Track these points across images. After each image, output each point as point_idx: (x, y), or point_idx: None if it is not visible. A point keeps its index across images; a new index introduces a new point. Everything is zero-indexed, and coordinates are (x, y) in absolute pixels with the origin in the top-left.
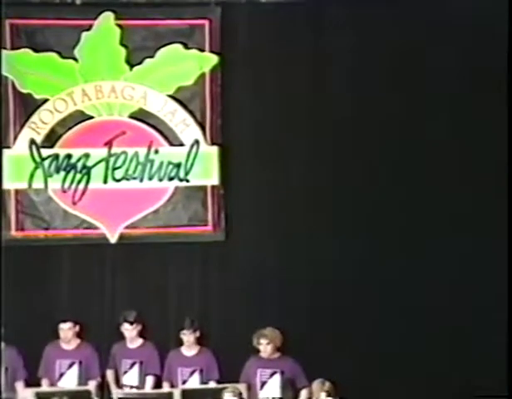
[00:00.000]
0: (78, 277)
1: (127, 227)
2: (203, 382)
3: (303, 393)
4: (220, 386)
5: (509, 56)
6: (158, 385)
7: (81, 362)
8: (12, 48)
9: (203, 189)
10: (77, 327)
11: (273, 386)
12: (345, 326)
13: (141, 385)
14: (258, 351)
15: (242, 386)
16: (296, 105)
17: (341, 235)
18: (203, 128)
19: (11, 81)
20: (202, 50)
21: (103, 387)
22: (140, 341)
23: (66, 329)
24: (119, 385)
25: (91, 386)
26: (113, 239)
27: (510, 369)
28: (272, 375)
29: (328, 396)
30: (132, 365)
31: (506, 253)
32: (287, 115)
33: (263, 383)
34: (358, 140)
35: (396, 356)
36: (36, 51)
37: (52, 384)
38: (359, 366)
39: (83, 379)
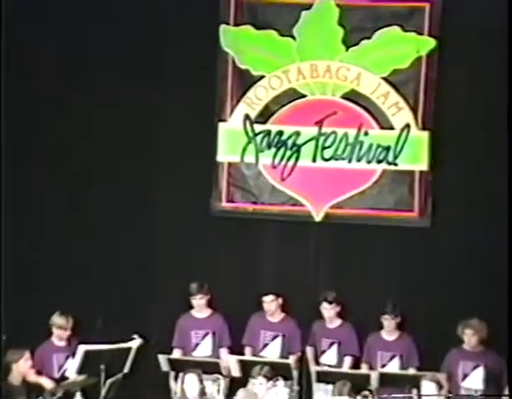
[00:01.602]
0: (282, 252)
1: (332, 206)
2: (402, 368)
3: (507, 390)
4: (420, 373)
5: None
6: (355, 366)
7: (284, 336)
8: (235, 24)
9: (411, 173)
10: (280, 300)
11: (476, 379)
12: None
13: (339, 364)
14: (460, 341)
15: (442, 376)
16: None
17: None
18: (415, 112)
19: (231, 56)
20: (420, 33)
21: (302, 362)
22: (338, 321)
23: (269, 301)
24: (317, 362)
25: (291, 359)
26: (318, 218)
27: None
28: (475, 368)
29: None
30: (331, 344)
31: None
32: (503, 103)
33: (465, 375)
34: None
35: None
36: (256, 27)
37: (255, 354)
38: None
39: (285, 352)
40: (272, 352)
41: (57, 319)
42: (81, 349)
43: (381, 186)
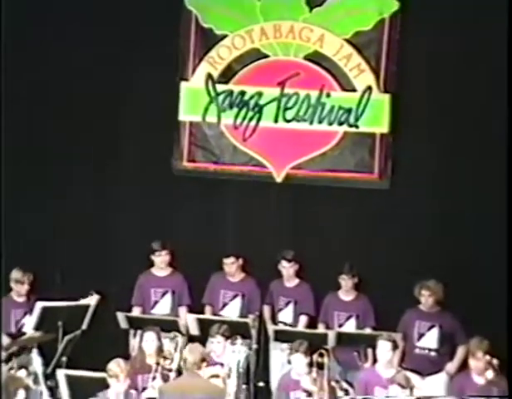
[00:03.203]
0: (243, 212)
1: (293, 167)
2: (359, 328)
3: (461, 350)
4: (376, 332)
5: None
6: (311, 325)
7: (243, 295)
8: None
9: (371, 136)
10: (240, 261)
11: (431, 338)
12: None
13: (295, 323)
14: (417, 302)
15: (398, 336)
16: (476, 55)
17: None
18: (377, 74)
19: (194, 15)
20: None
21: (260, 321)
22: (296, 280)
23: (229, 263)
24: (274, 321)
25: (250, 318)
26: (279, 179)
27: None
28: (430, 328)
29: (486, 354)
30: (287, 303)
31: None
32: (465, 65)
33: (421, 335)
34: None
35: None
36: None
37: (215, 313)
38: None
39: (245, 311)
40: (231, 312)
41: (15, 274)
42: (39, 305)
43: (342, 148)
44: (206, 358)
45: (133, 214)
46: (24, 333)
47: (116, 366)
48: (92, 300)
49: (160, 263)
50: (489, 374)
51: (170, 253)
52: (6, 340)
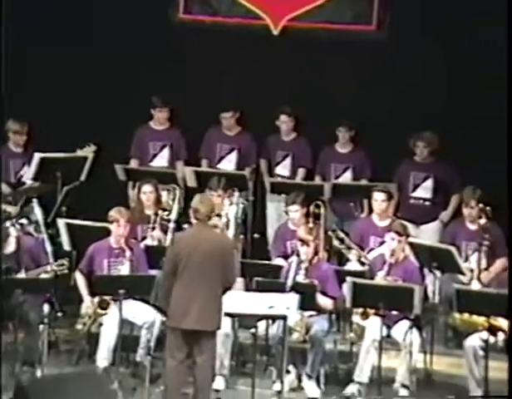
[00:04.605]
0: (240, 65)
1: (291, 20)
2: (355, 179)
3: (454, 199)
4: (371, 183)
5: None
6: (308, 178)
7: (239, 149)
8: None
9: None
10: (237, 115)
11: (426, 189)
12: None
13: (292, 176)
14: (412, 153)
15: (393, 187)
16: None
17: None
18: None
19: None
20: None
21: (257, 174)
22: (293, 134)
23: (228, 117)
24: (271, 174)
25: (247, 171)
26: (276, 31)
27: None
28: (425, 179)
29: (479, 203)
30: (285, 157)
31: None
32: None
33: (416, 186)
34: None
35: None
36: None
37: (211, 166)
38: None
39: (241, 164)
40: (228, 165)
41: (13, 125)
42: (37, 156)
43: None
44: (215, 210)
45: (129, 66)
46: (24, 183)
47: (117, 212)
48: (90, 152)
49: (160, 118)
50: (482, 221)
51: (170, 110)
52: (6, 189)
